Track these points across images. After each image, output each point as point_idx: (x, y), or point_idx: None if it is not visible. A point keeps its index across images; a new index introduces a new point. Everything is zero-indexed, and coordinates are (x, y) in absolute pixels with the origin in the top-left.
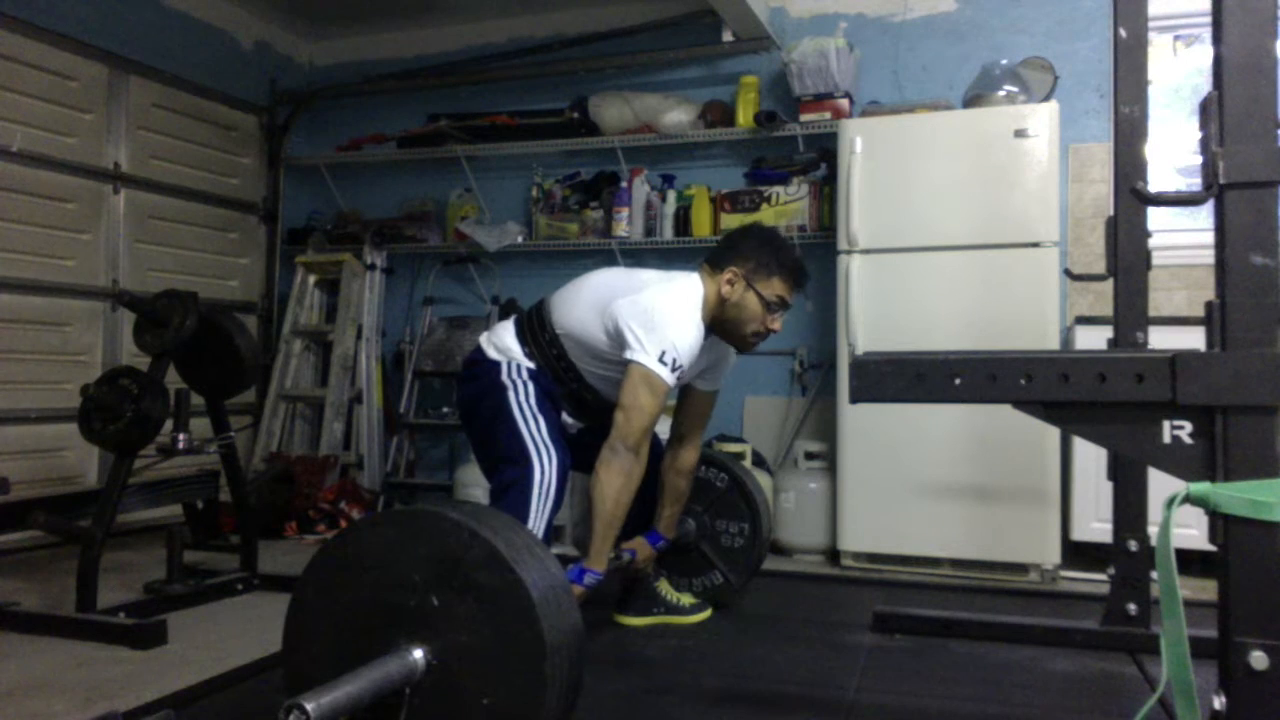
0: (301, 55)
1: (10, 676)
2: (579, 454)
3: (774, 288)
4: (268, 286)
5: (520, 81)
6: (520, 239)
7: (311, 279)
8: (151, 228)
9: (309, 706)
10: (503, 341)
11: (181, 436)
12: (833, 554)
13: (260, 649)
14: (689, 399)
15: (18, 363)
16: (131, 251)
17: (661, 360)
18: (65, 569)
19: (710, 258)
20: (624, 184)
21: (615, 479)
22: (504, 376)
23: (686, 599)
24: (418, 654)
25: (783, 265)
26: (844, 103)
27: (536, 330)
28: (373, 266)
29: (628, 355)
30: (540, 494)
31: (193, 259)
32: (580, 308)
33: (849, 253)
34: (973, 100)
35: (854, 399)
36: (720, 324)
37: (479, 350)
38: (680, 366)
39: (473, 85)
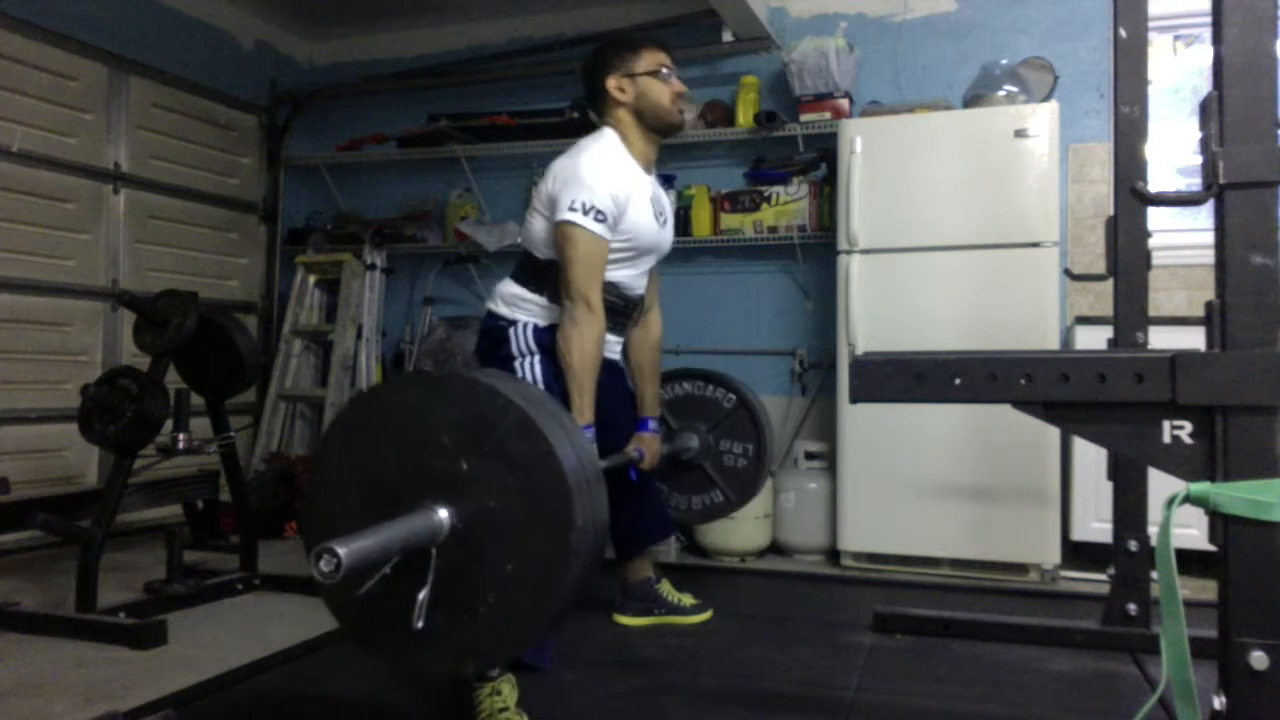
0: (301, 55)
1: (10, 676)
2: None
3: (645, 61)
4: (268, 286)
5: (520, 81)
6: (520, 239)
7: (311, 279)
8: (151, 228)
9: (340, 550)
10: (508, 290)
11: (181, 436)
12: (833, 554)
13: (260, 649)
14: None
15: (18, 363)
16: (131, 251)
17: (573, 208)
18: (65, 569)
19: (592, 106)
20: None
21: (569, 330)
22: (514, 349)
23: (687, 599)
24: (444, 514)
25: (634, 42)
26: (844, 103)
27: (531, 264)
28: (373, 266)
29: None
30: None
31: (193, 259)
32: (539, 228)
33: (849, 253)
34: (973, 100)
35: (854, 399)
36: (650, 123)
37: (489, 314)
38: (595, 208)
39: (473, 85)
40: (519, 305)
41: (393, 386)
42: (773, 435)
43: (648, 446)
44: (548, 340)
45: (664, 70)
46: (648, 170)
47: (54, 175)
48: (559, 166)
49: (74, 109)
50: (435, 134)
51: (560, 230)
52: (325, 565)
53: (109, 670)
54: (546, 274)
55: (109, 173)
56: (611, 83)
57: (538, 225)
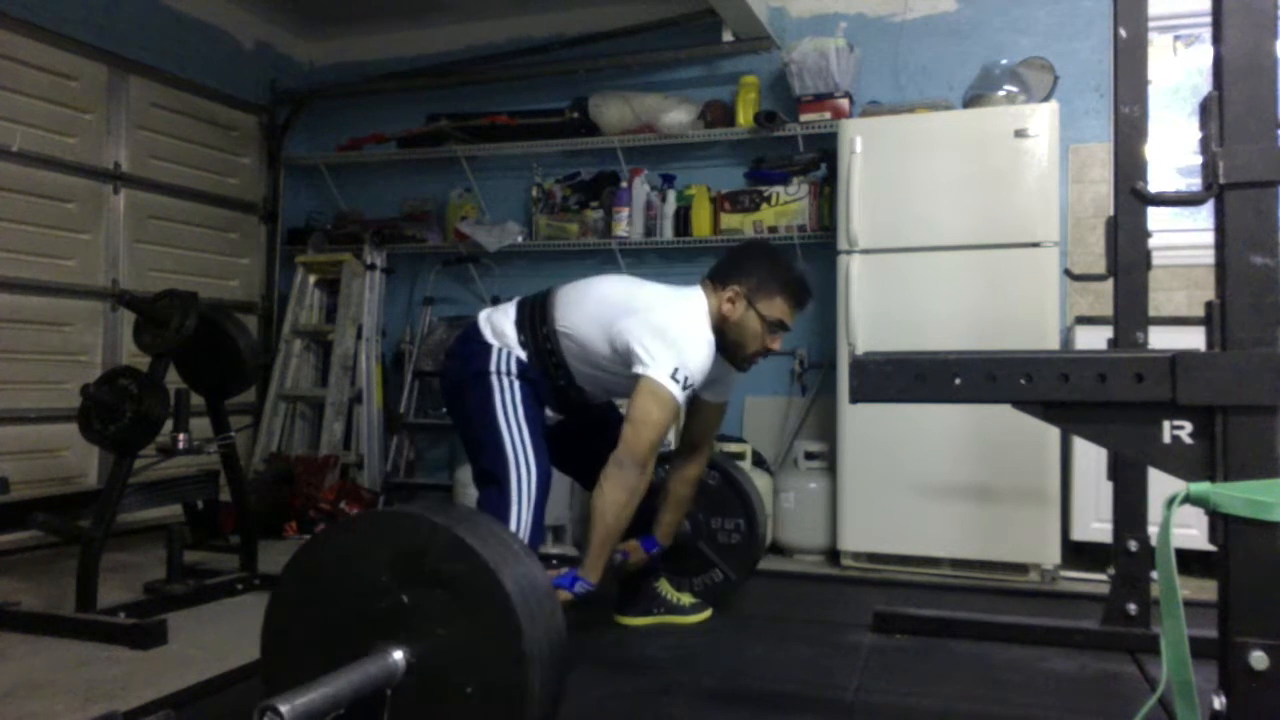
0: (301, 55)
1: (10, 676)
2: (557, 446)
3: (775, 308)
4: (268, 286)
5: (520, 81)
6: (520, 239)
7: (311, 279)
8: (151, 228)
9: (283, 709)
10: (500, 326)
11: (181, 436)
12: (833, 554)
13: (260, 649)
14: (699, 411)
15: (18, 363)
16: (131, 251)
17: (674, 377)
18: (65, 569)
19: (714, 273)
20: (624, 184)
21: (619, 494)
22: (492, 366)
23: (686, 599)
24: (397, 655)
25: (785, 285)
26: (844, 103)
27: (536, 322)
28: (373, 266)
29: (639, 370)
30: (519, 510)
31: (193, 259)
32: (583, 316)
33: (849, 253)
34: (973, 100)
35: (854, 399)
36: (721, 342)
37: (475, 328)
38: (692, 385)
39: (473, 85)
40: (507, 343)
41: (323, 537)
42: (763, 507)
43: (634, 553)
44: (530, 373)
45: (776, 323)
46: None
47: (54, 175)
48: (665, 320)
49: (74, 109)
50: (435, 134)
51: (650, 388)
52: None
53: (109, 670)
54: (545, 341)
55: (109, 173)
56: (732, 290)
57: (591, 331)
